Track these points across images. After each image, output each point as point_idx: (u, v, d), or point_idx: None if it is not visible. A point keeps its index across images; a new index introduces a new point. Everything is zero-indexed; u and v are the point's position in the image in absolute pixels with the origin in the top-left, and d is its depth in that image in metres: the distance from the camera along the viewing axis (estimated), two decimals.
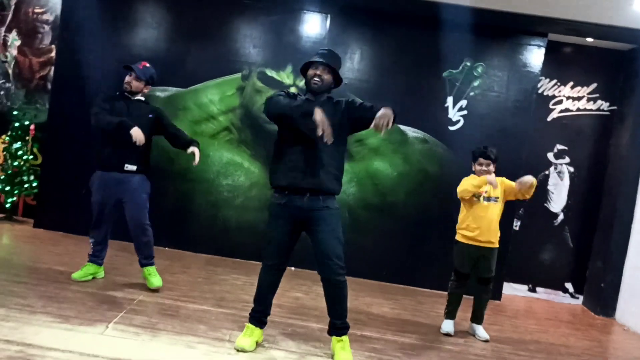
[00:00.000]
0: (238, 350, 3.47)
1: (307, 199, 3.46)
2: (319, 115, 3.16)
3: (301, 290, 5.20)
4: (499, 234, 4.50)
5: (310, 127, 3.21)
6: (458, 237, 4.55)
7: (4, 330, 3.26)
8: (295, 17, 6.10)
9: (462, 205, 4.58)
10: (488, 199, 4.46)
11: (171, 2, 6.13)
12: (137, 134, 4.13)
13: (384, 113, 3.13)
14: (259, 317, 3.64)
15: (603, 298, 6.14)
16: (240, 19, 6.11)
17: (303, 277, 5.61)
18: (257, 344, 3.60)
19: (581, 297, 6.56)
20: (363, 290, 5.50)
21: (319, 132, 3.15)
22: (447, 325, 4.55)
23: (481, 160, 4.45)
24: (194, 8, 6.11)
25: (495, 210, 4.47)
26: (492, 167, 4.46)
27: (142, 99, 4.55)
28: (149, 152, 4.51)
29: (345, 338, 3.61)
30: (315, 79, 3.50)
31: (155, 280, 4.48)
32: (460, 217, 4.57)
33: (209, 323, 3.93)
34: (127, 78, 4.48)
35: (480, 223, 4.43)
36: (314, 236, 3.51)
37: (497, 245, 4.50)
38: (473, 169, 4.53)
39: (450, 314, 4.60)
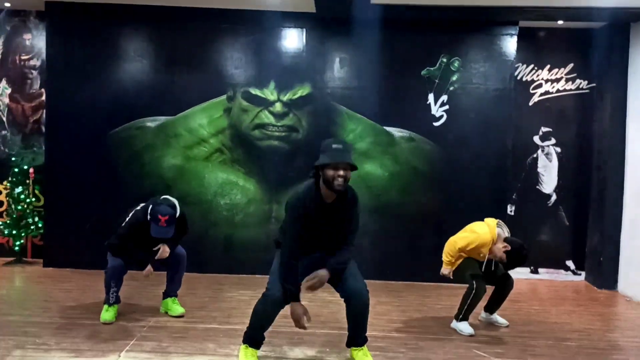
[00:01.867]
0: None
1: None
2: (295, 314, 3.48)
3: (305, 298, 5.32)
4: None
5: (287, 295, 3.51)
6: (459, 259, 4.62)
7: None
8: (272, 35, 6.26)
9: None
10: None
11: (151, 33, 6.31)
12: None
13: (321, 276, 3.53)
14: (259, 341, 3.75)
15: (604, 272, 6.26)
16: (220, 42, 6.28)
17: None
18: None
19: (583, 273, 6.67)
20: None
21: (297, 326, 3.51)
22: (467, 327, 4.51)
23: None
24: (174, 37, 6.29)
25: None
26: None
27: None
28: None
29: (365, 346, 3.82)
30: (339, 179, 3.39)
31: (180, 308, 4.69)
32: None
33: (217, 341, 4.09)
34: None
35: None
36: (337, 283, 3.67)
37: None
38: (496, 245, 4.50)
39: (466, 316, 4.54)
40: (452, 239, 4.65)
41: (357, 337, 3.80)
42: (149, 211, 4.37)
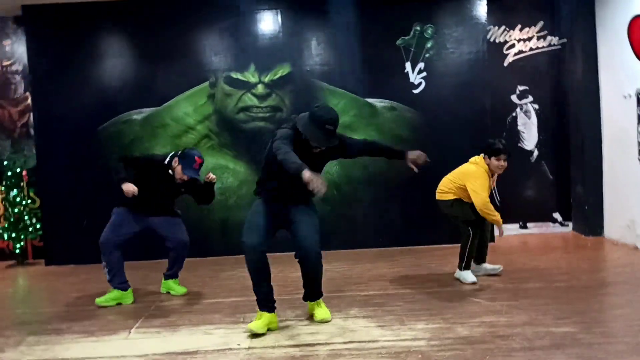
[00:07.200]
0: (251, 334, 3.68)
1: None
2: (307, 176, 3.21)
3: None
4: None
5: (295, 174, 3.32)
6: (453, 197, 4.78)
7: (37, 353, 3.57)
8: (248, 18, 6.38)
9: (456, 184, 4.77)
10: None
11: (129, 28, 6.42)
12: (127, 188, 4.34)
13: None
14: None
15: (589, 220, 6.48)
16: (197, 30, 6.40)
17: None
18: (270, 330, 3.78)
19: (570, 224, 6.88)
20: (362, 259, 5.82)
21: (312, 190, 3.22)
22: (471, 275, 4.72)
23: (503, 156, 4.58)
24: (152, 31, 6.41)
25: None
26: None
27: None
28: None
29: (320, 300, 4.02)
30: (317, 150, 3.61)
31: (182, 288, 4.89)
32: (453, 186, 4.79)
33: (222, 311, 4.25)
34: (182, 175, 4.49)
35: None
36: (292, 226, 3.78)
37: None
38: (486, 162, 4.64)
39: (468, 264, 4.74)
40: (477, 198, 4.55)
41: (311, 293, 3.99)
42: (178, 154, 4.51)
